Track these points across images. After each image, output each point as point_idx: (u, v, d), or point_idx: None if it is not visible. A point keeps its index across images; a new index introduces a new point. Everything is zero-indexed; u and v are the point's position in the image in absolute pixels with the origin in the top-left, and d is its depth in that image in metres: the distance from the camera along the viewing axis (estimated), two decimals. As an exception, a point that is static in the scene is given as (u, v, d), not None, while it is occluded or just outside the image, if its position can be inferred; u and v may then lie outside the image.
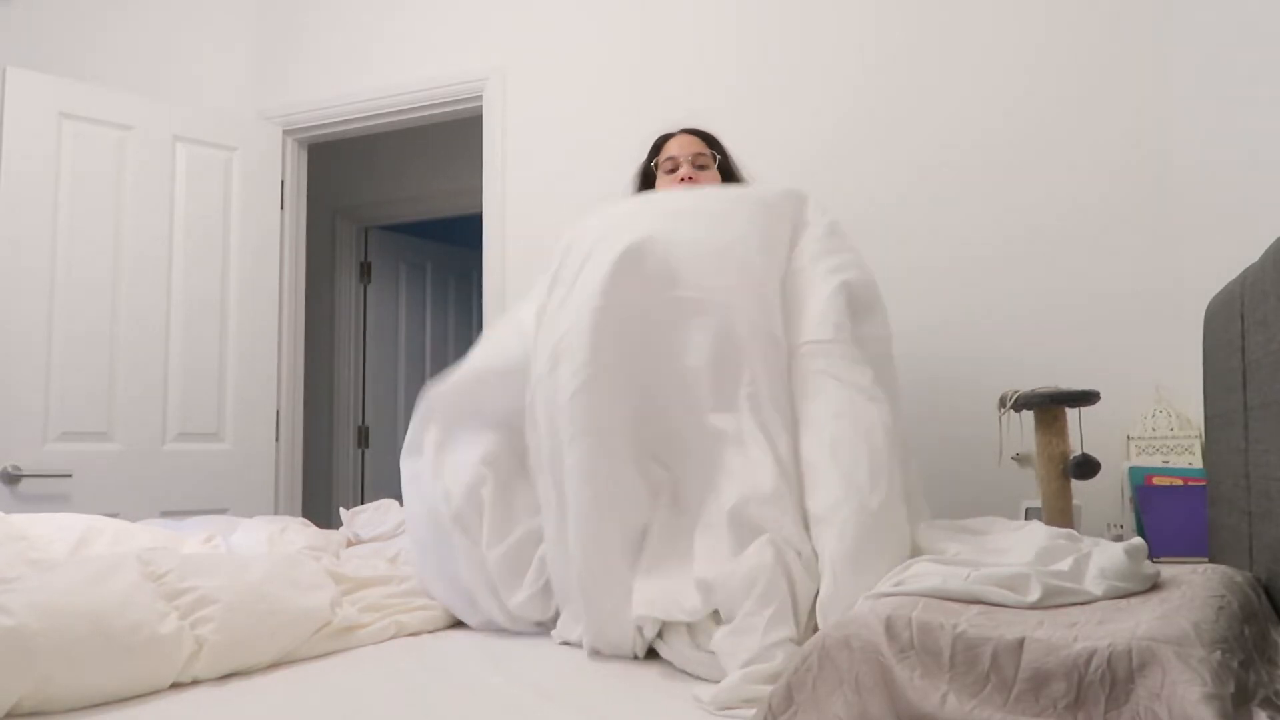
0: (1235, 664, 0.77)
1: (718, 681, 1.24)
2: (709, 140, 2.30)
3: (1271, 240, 1.19)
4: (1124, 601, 0.97)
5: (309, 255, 3.73)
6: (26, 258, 2.95)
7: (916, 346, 2.63)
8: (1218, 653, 0.76)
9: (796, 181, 2.16)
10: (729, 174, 2.30)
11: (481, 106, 3.28)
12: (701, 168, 2.23)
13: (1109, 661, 0.76)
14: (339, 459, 4.65)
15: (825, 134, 2.80)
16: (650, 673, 1.33)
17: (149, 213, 3.20)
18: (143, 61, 3.40)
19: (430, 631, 1.65)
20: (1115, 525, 2.28)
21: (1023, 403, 2.07)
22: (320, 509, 3.86)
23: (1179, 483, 2.01)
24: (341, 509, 2.43)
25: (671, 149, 2.28)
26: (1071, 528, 2.04)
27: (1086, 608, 0.94)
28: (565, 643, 1.58)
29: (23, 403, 2.92)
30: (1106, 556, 1.16)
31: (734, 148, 2.34)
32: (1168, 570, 1.16)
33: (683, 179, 2.21)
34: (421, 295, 5.04)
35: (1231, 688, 0.74)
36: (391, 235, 4.91)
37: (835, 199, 2.76)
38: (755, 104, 2.88)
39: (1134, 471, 2.09)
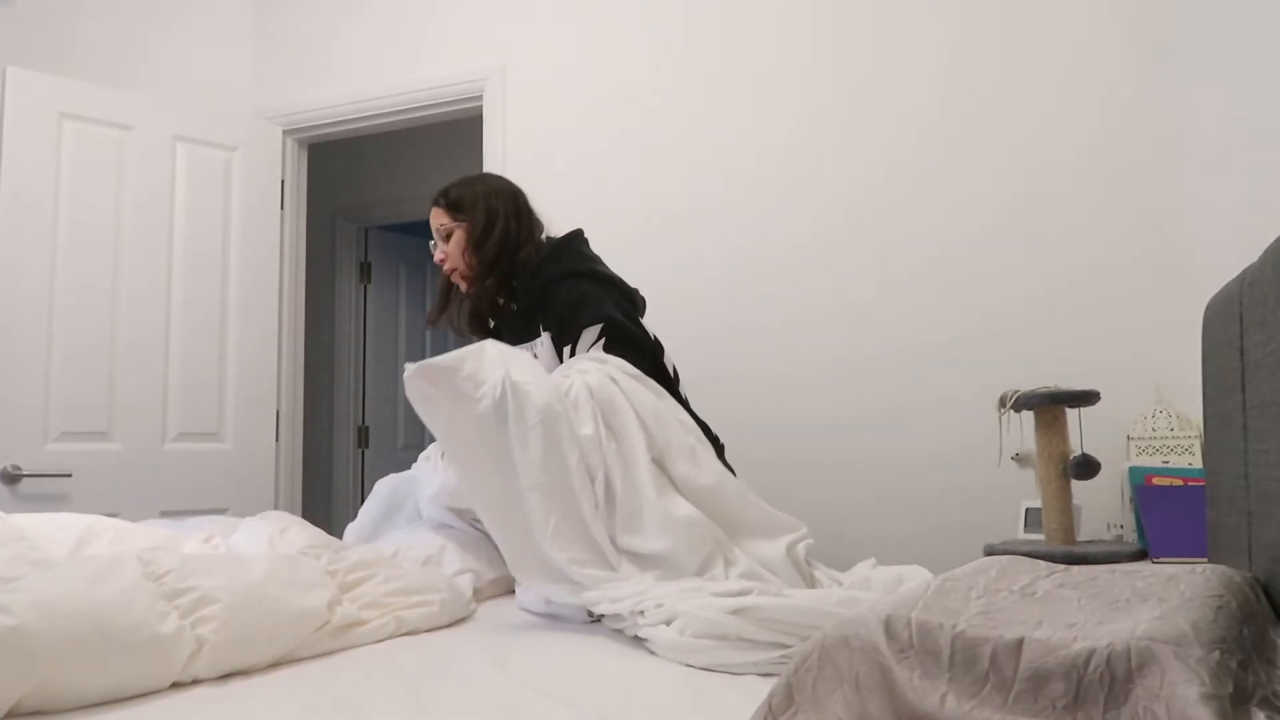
0: (1234, 664, 0.77)
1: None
2: (450, 205, 2.22)
3: (1271, 240, 1.19)
4: (1123, 601, 0.97)
5: (309, 255, 3.73)
6: (26, 257, 2.95)
7: (916, 346, 2.64)
8: (1216, 653, 0.76)
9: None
10: (490, 230, 2.17)
11: (482, 106, 3.29)
12: (447, 237, 2.22)
13: (1108, 661, 0.76)
14: (339, 459, 4.65)
15: (821, 124, 2.80)
16: (650, 671, 1.33)
17: (149, 212, 3.21)
18: (143, 61, 3.40)
19: (430, 630, 1.65)
20: (1115, 525, 2.28)
21: (1023, 403, 2.08)
22: (320, 509, 3.87)
23: (1179, 483, 2.01)
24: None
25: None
26: (1071, 527, 2.05)
27: (1085, 607, 0.94)
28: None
29: (23, 403, 2.92)
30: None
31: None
32: (1167, 570, 1.16)
33: (440, 263, 2.24)
34: (421, 295, 5.04)
35: (1230, 688, 0.74)
36: (391, 235, 4.91)
37: (832, 195, 2.76)
38: (756, 101, 2.88)
39: (1134, 471, 2.10)
